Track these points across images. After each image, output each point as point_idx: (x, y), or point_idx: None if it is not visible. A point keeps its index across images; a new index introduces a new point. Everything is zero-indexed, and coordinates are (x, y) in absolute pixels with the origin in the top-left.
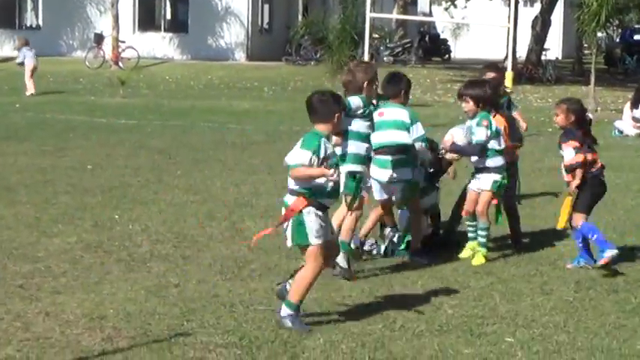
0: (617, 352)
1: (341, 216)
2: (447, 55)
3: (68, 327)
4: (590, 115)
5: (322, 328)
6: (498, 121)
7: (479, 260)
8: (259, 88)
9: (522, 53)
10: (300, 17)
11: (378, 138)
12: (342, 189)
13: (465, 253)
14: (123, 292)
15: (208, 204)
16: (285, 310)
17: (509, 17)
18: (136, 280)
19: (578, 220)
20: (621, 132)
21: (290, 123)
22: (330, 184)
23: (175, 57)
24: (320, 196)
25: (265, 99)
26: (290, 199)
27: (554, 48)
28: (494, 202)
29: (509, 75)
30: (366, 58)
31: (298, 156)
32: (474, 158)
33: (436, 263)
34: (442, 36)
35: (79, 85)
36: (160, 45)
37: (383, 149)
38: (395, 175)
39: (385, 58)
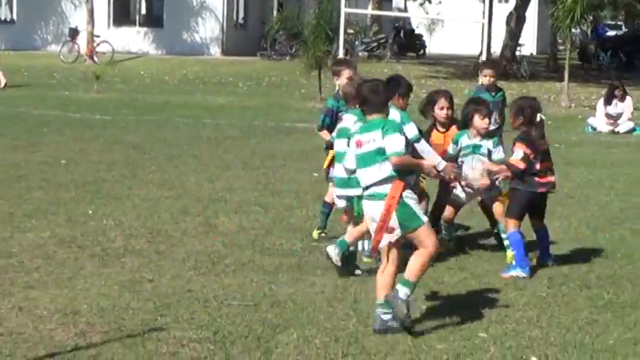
0: (590, 348)
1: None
2: (421, 51)
3: (41, 322)
4: (543, 117)
5: (296, 323)
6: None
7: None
8: (234, 83)
9: (497, 49)
10: (275, 12)
11: None
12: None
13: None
14: (96, 288)
15: (182, 199)
16: (403, 291)
17: (483, 13)
18: (110, 276)
19: (509, 226)
20: (594, 128)
21: (265, 118)
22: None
23: (150, 52)
24: (409, 176)
25: (240, 94)
26: (385, 189)
27: (528, 44)
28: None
29: None
30: (341, 53)
31: (400, 142)
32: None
33: None
34: (417, 31)
35: (53, 79)
36: (135, 40)
37: None
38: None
39: (360, 54)
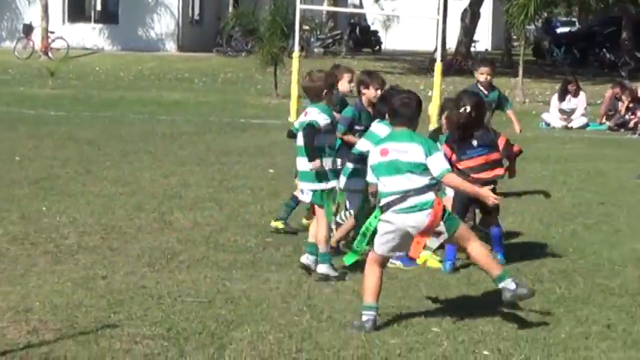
0: (542, 342)
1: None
2: (377, 47)
3: None
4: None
5: (250, 319)
6: None
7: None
8: (190, 79)
9: (452, 45)
10: (230, 8)
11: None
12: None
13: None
14: (49, 285)
15: (137, 195)
16: (508, 282)
17: (438, 9)
18: (63, 273)
19: None
20: (548, 124)
21: (220, 114)
22: None
23: (105, 48)
24: None
25: (196, 90)
26: (424, 198)
27: (483, 40)
28: None
29: (438, 67)
30: (296, 49)
31: (444, 160)
32: None
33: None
34: (372, 27)
35: (7, 75)
36: (90, 36)
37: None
38: (347, 182)
39: (316, 50)
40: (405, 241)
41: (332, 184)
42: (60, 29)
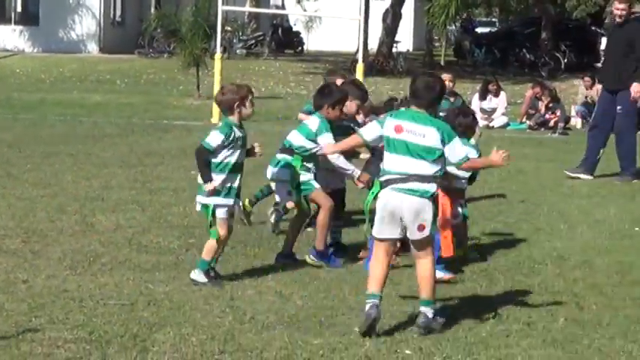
0: (464, 340)
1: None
2: (299, 48)
3: None
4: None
5: (172, 321)
6: None
7: None
8: (112, 80)
9: (374, 45)
10: (152, 10)
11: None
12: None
13: None
14: None
15: (59, 198)
16: (428, 310)
17: (360, 10)
18: None
19: None
20: None
21: (143, 116)
22: None
23: (26, 50)
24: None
25: (118, 92)
26: (428, 187)
27: (405, 40)
28: None
29: (360, 67)
30: (219, 51)
31: (463, 147)
32: None
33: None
34: (295, 29)
35: None
36: (10, 37)
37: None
38: (274, 173)
39: (238, 51)
40: (395, 226)
41: (225, 201)
42: None
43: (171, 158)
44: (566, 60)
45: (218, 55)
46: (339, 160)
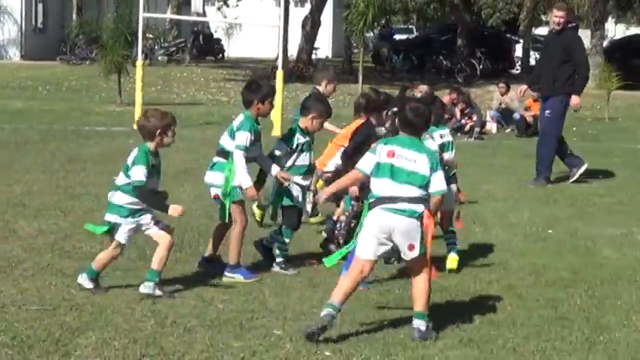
0: (381, 341)
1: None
2: (220, 55)
3: None
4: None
5: (94, 325)
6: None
7: None
8: (34, 87)
9: (293, 52)
10: (74, 16)
11: None
12: None
13: None
14: None
15: None
16: (420, 323)
17: (279, 17)
18: None
19: None
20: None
21: (65, 122)
22: None
23: None
24: None
25: (40, 98)
26: (417, 208)
27: (324, 47)
28: None
29: (279, 74)
30: (140, 57)
31: (444, 180)
32: None
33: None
34: (216, 36)
35: None
36: None
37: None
38: (208, 177)
39: (160, 58)
40: (382, 245)
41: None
42: None
43: (93, 164)
44: (481, 66)
45: (139, 62)
46: (239, 161)
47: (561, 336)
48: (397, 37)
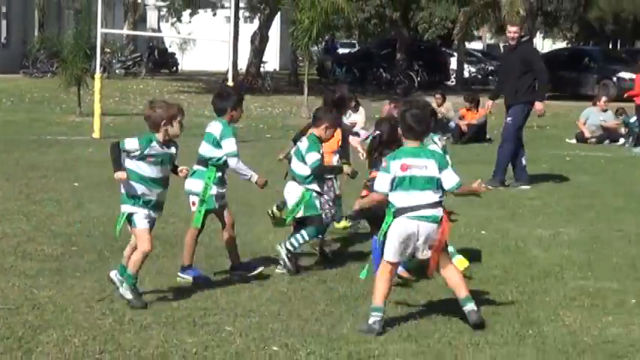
0: (326, 337)
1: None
2: (174, 68)
3: None
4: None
5: (56, 324)
6: None
7: None
8: None
9: (243, 65)
10: (36, 32)
11: None
12: None
13: None
14: None
15: None
16: (472, 306)
17: (230, 33)
18: None
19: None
20: None
21: (28, 132)
22: None
23: None
24: None
25: (3, 110)
26: (437, 212)
27: (272, 61)
28: None
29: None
30: (98, 71)
31: (455, 174)
32: None
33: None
34: (170, 50)
35: None
36: None
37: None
38: (187, 184)
39: (117, 71)
40: (406, 250)
41: (143, 210)
42: None
43: (54, 171)
44: (419, 79)
45: (98, 75)
46: (239, 165)
47: (493, 330)
48: (340, 51)
